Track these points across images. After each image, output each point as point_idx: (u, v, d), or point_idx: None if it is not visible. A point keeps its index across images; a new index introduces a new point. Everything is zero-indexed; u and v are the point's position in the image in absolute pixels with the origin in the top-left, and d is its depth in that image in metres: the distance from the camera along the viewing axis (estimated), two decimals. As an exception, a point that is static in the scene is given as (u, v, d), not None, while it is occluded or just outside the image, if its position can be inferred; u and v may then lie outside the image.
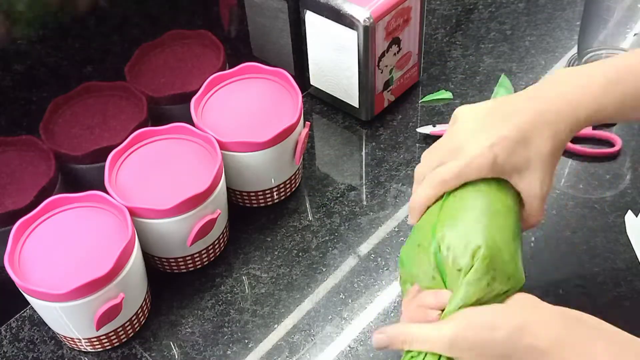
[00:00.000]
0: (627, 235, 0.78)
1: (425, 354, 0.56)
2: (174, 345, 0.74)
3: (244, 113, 0.81)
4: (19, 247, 0.70)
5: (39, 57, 0.77)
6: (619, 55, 0.63)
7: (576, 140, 0.87)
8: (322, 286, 0.77)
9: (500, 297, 0.56)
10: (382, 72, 0.89)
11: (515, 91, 0.68)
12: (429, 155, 0.63)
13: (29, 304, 0.75)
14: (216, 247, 0.80)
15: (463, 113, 0.63)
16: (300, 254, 0.80)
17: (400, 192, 0.85)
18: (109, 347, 0.74)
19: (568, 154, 0.87)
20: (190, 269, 0.79)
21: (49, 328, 0.74)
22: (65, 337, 0.73)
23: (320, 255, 0.80)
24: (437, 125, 0.90)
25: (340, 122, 0.95)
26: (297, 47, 0.94)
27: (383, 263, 0.79)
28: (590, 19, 0.93)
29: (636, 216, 0.78)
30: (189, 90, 0.84)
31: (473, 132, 0.60)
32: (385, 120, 0.94)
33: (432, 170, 0.61)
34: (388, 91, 0.92)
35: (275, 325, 0.74)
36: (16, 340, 0.76)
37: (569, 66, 0.98)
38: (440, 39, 1.05)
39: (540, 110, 0.59)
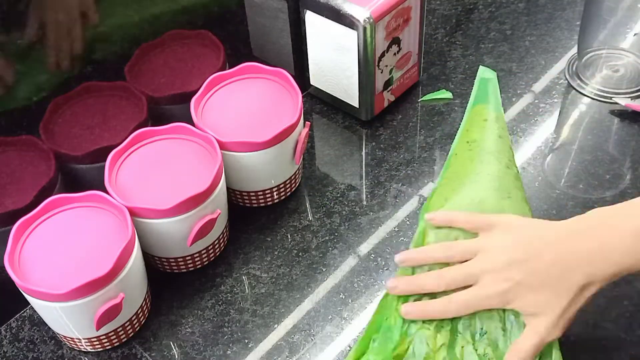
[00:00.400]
0: (627, 235, 0.77)
1: None
2: (174, 345, 0.74)
3: (244, 113, 0.81)
4: (19, 247, 0.70)
5: (39, 57, 0.77)
6: None
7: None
8: (322, 286, 0.77)
9: None
10: (382, 72, 0.89)
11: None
12: (457, 253, 0.64)
13: (29, 304, 0.75)
14: (216, 247, 0.80)
15: (499, 233, 0.64)
16: (300, 254, 0.80)
17: (400, 192, 0.85)
18: (109, 347, 0.74)
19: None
20: (190, 269, 0.79)
21: (49, 328, 0.74)
22: (65, 337, 0.73)
23: (320, 255, 0.80)
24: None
25: (340, 122, 0.95)
26: (297, 47, 0.94)
27: (383, 263, 0.79)
28: (590, 19, 0.93)
29: None
30: (189, 90, 0.84)
31: (498, 264, 0.61)
32: (385, 120, 0.94)
33: (453, 270, 0.63)
34: (388, 91, 0.93)
35: (275, 325, 0.74)
36: (16, 340, 0.76)
37: (569, 66, 0.98)
38: (440, 39, 1.05)
39: (567, 259, 0.59)
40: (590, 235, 0.60)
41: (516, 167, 0.73)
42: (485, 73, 0.80)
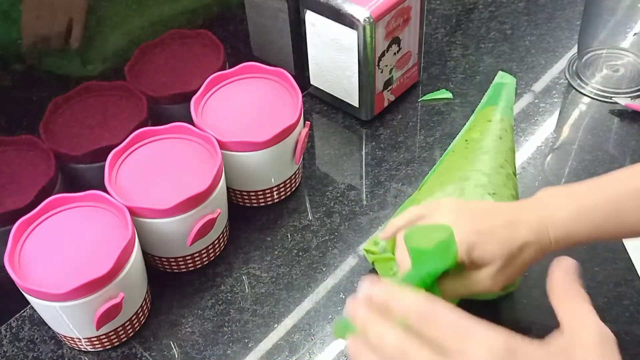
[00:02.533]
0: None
1: None
2: (174, 344, 0.74)
3: (244, 113, 0.81)
4: (19, 247, 0.70)
5: (39, 57, 0.77)
6: (603, 178, 0.62)
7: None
8: (322, 286, 0.77)
9: None
10: (382, 72, 0.89)
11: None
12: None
13: (29, 303, 0.75)
14: (216, 246, 0.80)
15: (446, 205, 0.64)
16: (300, 253, 0.80)
17: (400, 192, 0.85)
18: (109, 346, 0.74)
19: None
20: (190, 269, 0.79)
21: (49, 328, 0.74)
22: (65, 336, 0.73)
23: (320, 255, 0.80)
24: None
25: (340, 122, 0.95)
26: (297, 47, 0.94)
27: (383, 263, 0.79)
28: (591, 19, 0.93)
29: None
30: (189, 90, 0.84)
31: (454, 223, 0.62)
32: (385, 120, 0.94)
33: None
34: (388, 91, 0.93)
35: (275, 325, 0.74)
36: (16, 339, 0.76)
37: (569, 66, 0.98)
38: (440, 39, 1.05)
39: (516, 221, 0.61)
40: (537, 206, 0.62)
41: (513, 168, 0.73)
42: (503, 78, 0.80)
